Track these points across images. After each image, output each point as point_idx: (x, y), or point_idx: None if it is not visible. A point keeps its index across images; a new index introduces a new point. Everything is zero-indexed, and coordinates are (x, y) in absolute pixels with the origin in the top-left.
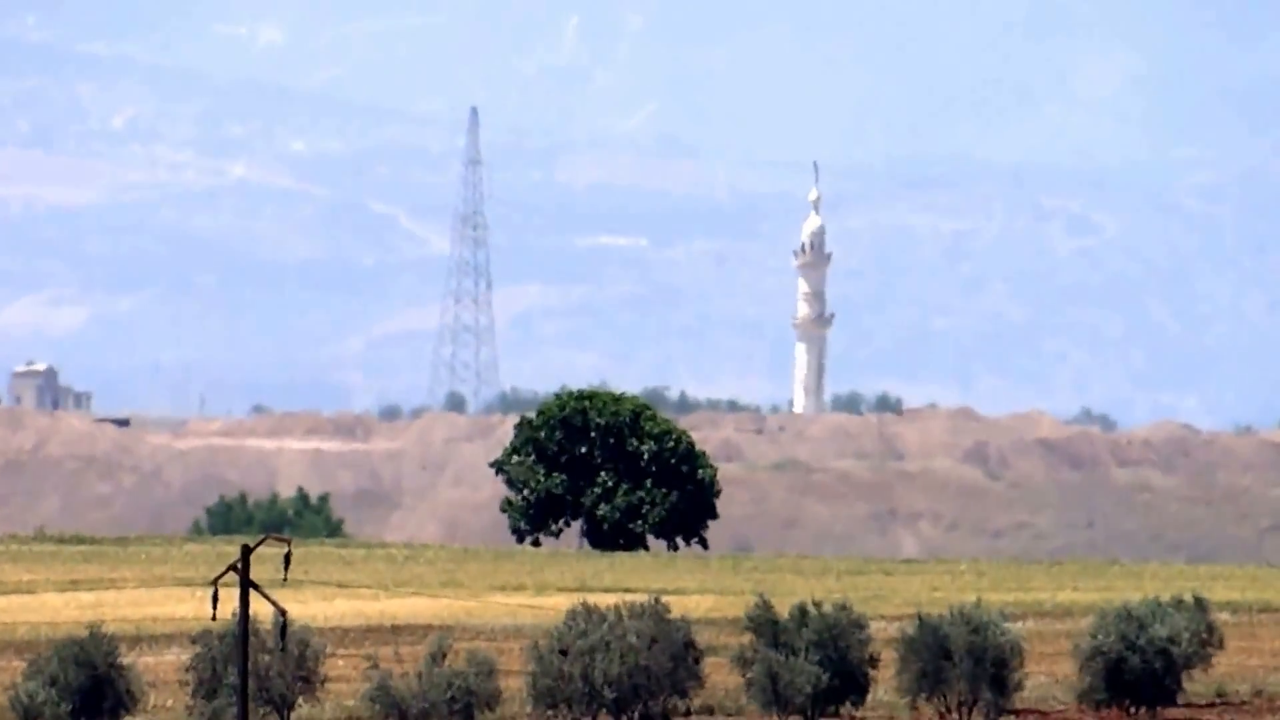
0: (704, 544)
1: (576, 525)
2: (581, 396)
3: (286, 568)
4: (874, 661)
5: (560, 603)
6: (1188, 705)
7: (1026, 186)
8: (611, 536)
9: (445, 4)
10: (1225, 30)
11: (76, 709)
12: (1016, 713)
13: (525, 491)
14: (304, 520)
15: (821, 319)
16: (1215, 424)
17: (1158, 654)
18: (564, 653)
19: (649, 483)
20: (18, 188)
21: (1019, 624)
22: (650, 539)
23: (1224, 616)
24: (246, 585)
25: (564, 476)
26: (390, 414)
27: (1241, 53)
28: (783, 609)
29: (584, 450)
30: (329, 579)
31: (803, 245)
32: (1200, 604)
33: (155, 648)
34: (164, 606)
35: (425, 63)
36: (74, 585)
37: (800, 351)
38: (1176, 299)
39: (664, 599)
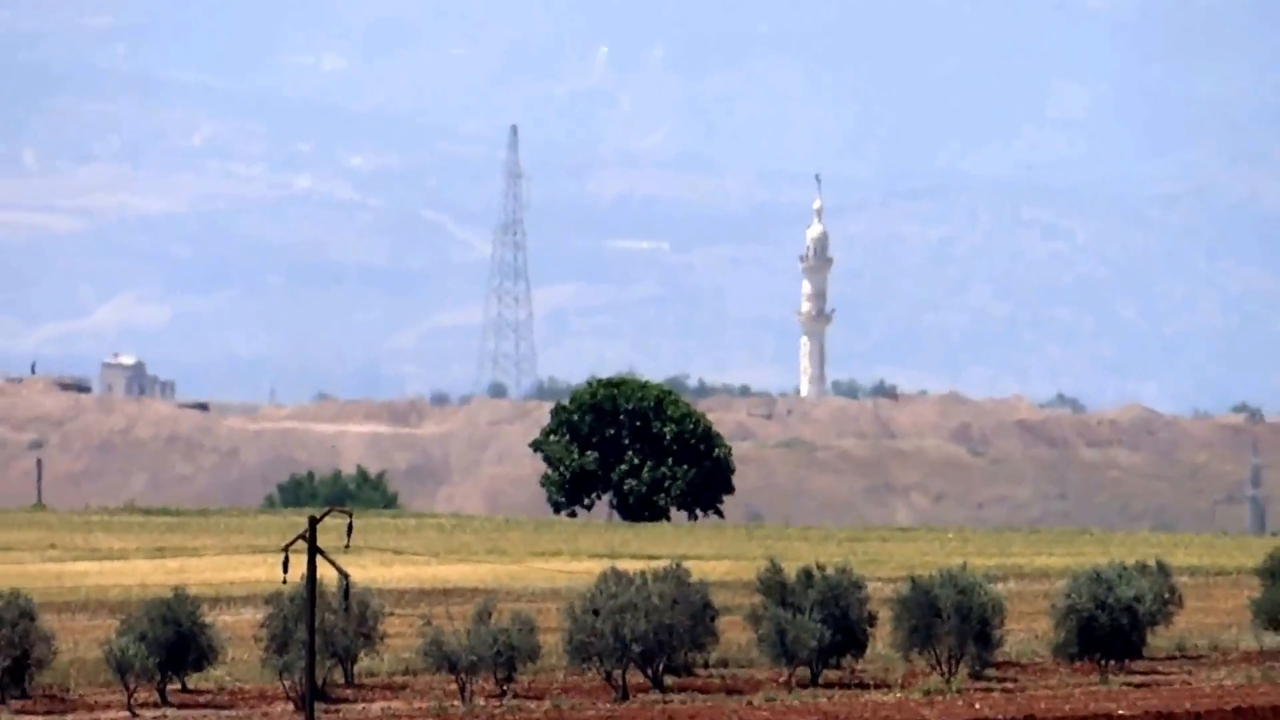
0: (720, 514)
1: (606, 498)
2: (610, 384)
3: (348, 536)
4: (872, 619)
5: (592, 568)
6: (1151, 659)
7: (1006, 198)
8: (637, 508)
9: (488, 36)
10: (1180, 59)
11: (163, 662)
12: (998, 665)
13: (561, 468)
14: (363, 494)
15: (823, 315)
16: (1175, 408)
17: (1124, 612)
18: (596, 612)
19: (670, 460)
20: (110, 198)
21: (1000, 585)
22: (672, 510)
23: (1183, 579)
24: (314, 552)
25: (595, 455)
26: (440, 400)
27: (1194, 80)
28: (790, 572)
29: (613, 432)
30: (386, 546)
31: (807, 250)
32: (1162, 568)
33: (233, 608)
34: (240, 571)
35: (470, 87)
36: (161, 552)
37: (804, 343)
38: (1139, 297)
39: (684, 564)
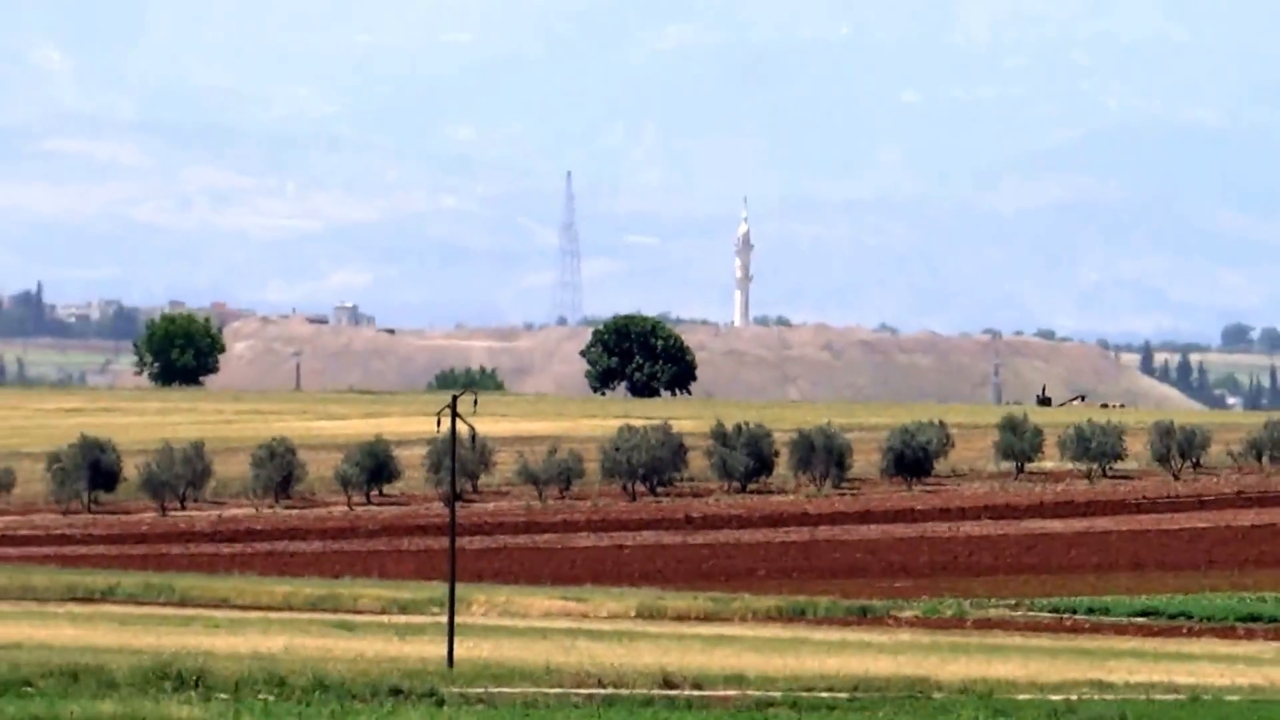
0: (689, 393)
1: (623, 384)
2: (626, 318)
3: (474, 406)
4: (776, 454)
5: (615, 424)
6: (936, 477)
7: (855, 210)
8: (641, 390)
9: (553, 116)
10: (960, 124)
11: (368, 478)
12: (849, 481)
13: (598, 366)
14: (484, 382)
15: (748, 278)
16: (950, 331)
17: (920, 450)
18: (617, 449)
19: (660, 361)
20: (337, 212)
21: (850, 435)
22: (661, 391)
23: (954, 431)
24: (454, 415)
25: (617, 358)
26: (529, 327)
27: (956, 139)
28: (729, 426)
29: (627, 345)
30: (497, 412)
31: (738, 240)
32: (942, 424)
33: (409, 447)
34: (414, 426)
35: (545, 145)
36: (367, 415)
37: (737, 295)
38: (932, 267)
39: (669, 422)
